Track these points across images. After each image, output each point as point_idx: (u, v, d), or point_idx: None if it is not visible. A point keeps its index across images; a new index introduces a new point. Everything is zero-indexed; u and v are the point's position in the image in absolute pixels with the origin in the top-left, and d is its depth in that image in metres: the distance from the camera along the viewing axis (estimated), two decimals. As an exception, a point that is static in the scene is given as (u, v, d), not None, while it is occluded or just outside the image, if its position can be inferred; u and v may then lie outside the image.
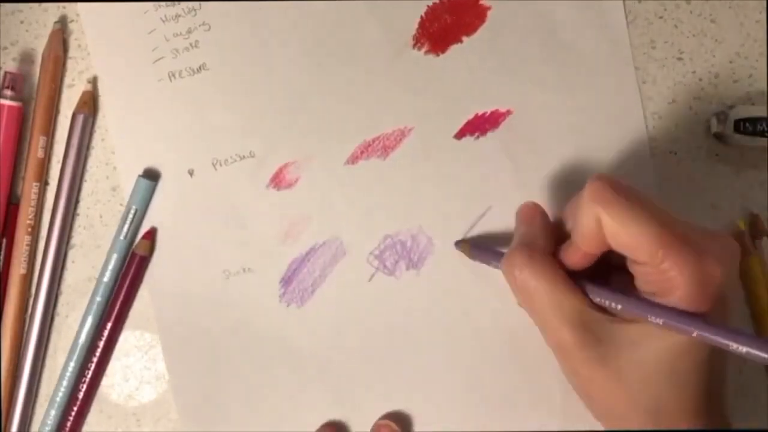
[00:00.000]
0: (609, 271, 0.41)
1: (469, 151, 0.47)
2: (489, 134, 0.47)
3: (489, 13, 0.47)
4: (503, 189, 0.47)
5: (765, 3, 0.48)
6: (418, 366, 0.48)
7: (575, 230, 0.40)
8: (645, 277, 0.38)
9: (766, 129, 0.46)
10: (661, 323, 0.37)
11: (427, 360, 0.47)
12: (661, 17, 0.48)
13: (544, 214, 0.43)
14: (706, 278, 0.36)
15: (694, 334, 0.36)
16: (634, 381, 0.38)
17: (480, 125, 0.47)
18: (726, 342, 0.35)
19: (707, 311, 0.36)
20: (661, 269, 0.37)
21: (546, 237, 0.42)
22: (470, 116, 0.47)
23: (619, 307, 0.39)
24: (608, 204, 0.37)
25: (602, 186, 0.38)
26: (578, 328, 0.39)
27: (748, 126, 0.46)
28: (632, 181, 0.46)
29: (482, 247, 0.46)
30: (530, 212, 0.43)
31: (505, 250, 0.42)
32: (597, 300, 0.40)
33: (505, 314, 0.47)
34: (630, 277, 0.40)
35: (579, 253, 0.40)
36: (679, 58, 0.48)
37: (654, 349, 0.38)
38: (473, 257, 0.46)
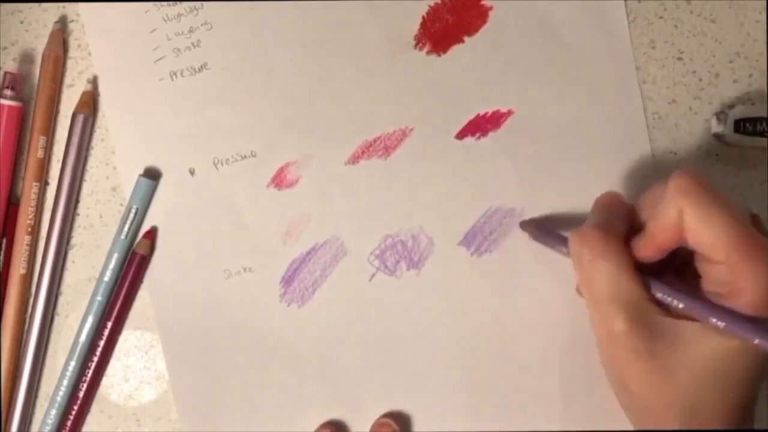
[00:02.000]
0: (669, 270, 0.41)
1: (471, 151, 0.47)
2: (490, 134, 0.48)
3: (490, 14, 0.47)
4: (504, 189, 0.47)
5: (765, 3, 0.48)
6: (418, 366, 0.48)
7: (653, 221, 0.39)
8: (714, 277, 0.38)
9: (766, 129, 0.46)
10: (722, 326, 0.37)
11: (427, 360, 0.48)
12: (661, 17, 0.48)
13: (623, 202, 0.43)
14: None
15: (756, 341, 0.36)
16: (680, 378, 0.38)
17: (481, 125, 0.48)
18: None
19: None
20: (734, 271, 0.37)
21: (622, 223, 0.41)
22: (471, 116, 0.48)
23: (681, 305, 0.38)
24: (694, 198, 0.37)
25: (690, 180, 0.38)
26: (635, 318, 0.38)
27: (748, 126, 0.46)
28: (632, 181, 0.47)
29: (547, 229, 0.46)
30: (610, 199, 0.43)
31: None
32: (659, 295, 0.39)
33: (506, 314, 0.47)
34: (692, 276, 0.40)
35: (652, 245, 0.40)
36: (679, 58, 0.48)
37: (708, 349, 0.37)
38: (537, 238, 0.46)
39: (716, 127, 0.46)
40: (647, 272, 0.40)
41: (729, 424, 0.38)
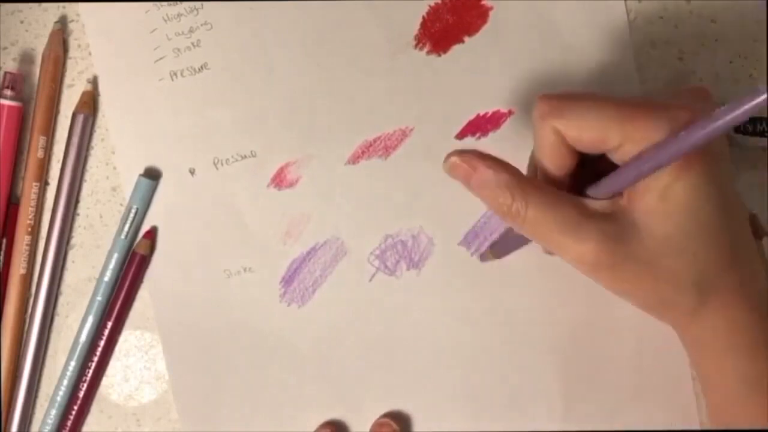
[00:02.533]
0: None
1: (471, 151, 0.48)
2: (490, 135, 0.47)
3: (491, 14, 0.47)
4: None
5: (765, 3, 0.48)
6: (418, 366, 0.48)
7: (538, 155, 0.40)
8: (627, 158, 0.38)
9: (766, 129, 0.46)
10: (663, 158, 0.36)
11: (427, 360, 0.48)
12: (661, 17, 0.48)
13: (474, 151, 0.41)
14: (680, 120, 0.36)
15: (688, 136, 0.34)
16: (668, 258, 0.37)
17: (481, 126, 0.48)
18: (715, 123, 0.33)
19: None
20: (637, 139, 0.36)
21: (509, 166, 0.40)
22: (472, 116, 0.47)
23: (617, 185, 0.38)
24: (559, 111, 0.38)
25: (545, 100, 0.39)
26: (599, 236, 0.37)
27: (748, 126, 0.46)
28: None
29: (503, 243, 0.46)
30: (468, 161, 0.40)
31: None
32: (600, 194, 0.39)
33: (506, 314, 0.47)
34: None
35: (550, 174, 0.40)
36: (680, 58, 0.48)
37: (670, 213, 0.37)
38: (503, 255, 0.46)
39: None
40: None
41: (733, 264, 0.38)
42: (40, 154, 0.47)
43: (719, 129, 0.33)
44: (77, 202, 0.48)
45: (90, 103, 0.48)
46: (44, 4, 0.48)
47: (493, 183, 0.39)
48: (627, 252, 0.38)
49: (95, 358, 0.47)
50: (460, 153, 0.40)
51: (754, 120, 0.46)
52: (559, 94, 0.39)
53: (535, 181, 0.40)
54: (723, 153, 0.39)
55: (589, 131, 0.38)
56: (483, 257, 0.47)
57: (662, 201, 0.37)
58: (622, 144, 0.37)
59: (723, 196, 0.38)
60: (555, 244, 0.39)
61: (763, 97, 0.30)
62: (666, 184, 0.37)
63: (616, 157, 0.38)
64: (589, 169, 0.40)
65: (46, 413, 0.47)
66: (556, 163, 0.39)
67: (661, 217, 0.37)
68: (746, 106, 0.31)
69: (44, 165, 0.48)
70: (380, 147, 0.48)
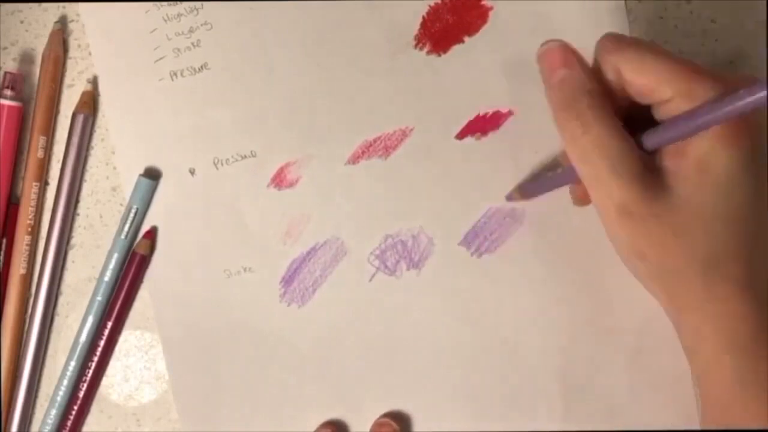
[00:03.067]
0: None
1: (471, 151, 0.47)
2: (490, 135, 0.47)
3: (491, 14, 0.47)
4: (505, 190, 0.47)
5: (765, 3, 0.48)
6: (419, 366, 0.48)
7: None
8: (672, 114, 0.38)
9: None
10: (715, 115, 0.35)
11: (428, 360, 0.48)
12: (661, 17, 0.48)
13: (577, 52, 0.41)
14: (730, 87, 0.35)
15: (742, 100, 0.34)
16: (693, 230, 0.37)
17: (481, 126, 0.48)
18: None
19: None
20: (688, 97, 0.36)
21: (594, 79, 0.39)
22: (472, 117, 0.47)
23: (667, 135, 0.37)
24: (623, 50, 0.38)
25: (612, 38, 0.39)
26: (636, 185, 0.37)
27: None
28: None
29: (531, 183, 0.45)
30: (560, 53, 0.40)
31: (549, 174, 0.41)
32: (650, 144, 0.38)
33: (506, 315, 0.47)
34: None
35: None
36: (679, 59, 0.48)
37: (706, 186, 0.37)
38: (529, 196, 0.45)
39: None
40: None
41: (749, 260, 0.37)
42: (40, 154, 0.47)
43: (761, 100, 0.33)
44: (77, 202, 0.48)
45: (90, 103, 0.48)
46: (44, 4, 0.48)
47: (575, 89, 0.39)
48: (662, 208, 0.37)
49: (95, 358, 0.47)
50: (562, 43, 0.40)
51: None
52: (626, 37, 0.39)
53: (607, 106, 0.39)
54: (763, 138, 0.39)
55: (646, 76, 0.37)
56: (509, 197, 0.47)
57: (700, 171, 0.37)
58: (672, 98, 0.37)
59: (757, 182, 0.37)
60: (596, 178, 0.38)
61: None
62: (706, 152, 0.36)
63: (661, 112, 0.38)
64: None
65: (46, 413, 0.47)
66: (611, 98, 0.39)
67: (696, 186, 0.37)
68: None
69: (44, 165, 0.48)
70: (380, 147, 0.48)
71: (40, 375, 0.48)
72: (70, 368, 0.47)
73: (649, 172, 0.38)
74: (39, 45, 0.48)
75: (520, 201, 0.47)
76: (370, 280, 0.48)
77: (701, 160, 0.37)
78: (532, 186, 0.46)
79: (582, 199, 0.44)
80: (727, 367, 0.38)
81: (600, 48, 0.39)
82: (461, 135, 0.48)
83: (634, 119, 0.39)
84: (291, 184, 0.48)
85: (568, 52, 0.40)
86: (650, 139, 0.38)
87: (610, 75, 0.39)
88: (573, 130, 0.38)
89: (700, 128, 0.36)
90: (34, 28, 0.49)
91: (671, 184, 0.37)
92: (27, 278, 0.48)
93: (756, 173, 0.37)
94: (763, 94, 0.32)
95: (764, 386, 0.37)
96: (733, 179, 0.37)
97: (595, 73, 0.40)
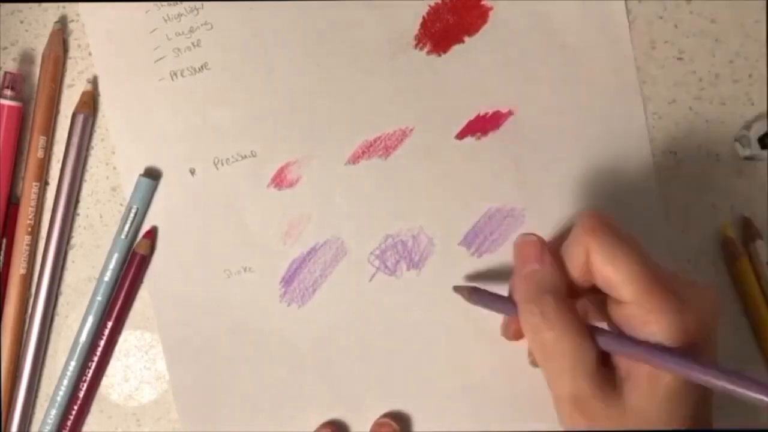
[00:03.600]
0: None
1: (471, 151, 0.47)
2: (490, 135, 0.48)
3: (491, 14, 0.47)
4: (505, 189, 0.47)
5: (765, 3, 0.48)
6: (418, 366, 0.48)
7: (566, 259, 0.39)
8: (622, 317, 0.38)
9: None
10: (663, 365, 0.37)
11: (427, 360, 0.48)
12: (661, 17, 0.48)
13: (546, 248, 0.41)
14: (684, 327, 0.36)
15: (700, 378, 0.36)
16: (649, 418, 0.37)
17: (481, 126, 0.48)
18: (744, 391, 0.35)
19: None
20: (643, 311, 0.37)
21: (562, 278, 0.40)
22: (472, 117, 0.48)
23: (625, 351, 0.38)
24: (599, 237, 0.38)
25: (595, 220, 0.38)
26: (595, 384, 0.38)
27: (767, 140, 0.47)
28: (632, 181, 0.47)
29: (485, 293, 0.43)
30: (535, 247, 0.41)
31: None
32: (604, 347, 0.39)
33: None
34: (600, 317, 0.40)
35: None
36: (679, 58, 0.48)
37: (655, 402, 0.37)
38: (473, 301, 0.43)
39: (743, 151, 0.47)
40: None
41: None
42: (40, 154, 0.47)
43: (711, 385, 0.35)
44: (77, 202, 0.48)
45: (90, 103, 0.48)
46: (44, 4, 0.48)
47: (543, 285, 0.39)
48: (613, 411, 0.38)
49: (95, 358, 0.47)
50: (539, 239, 0.40)
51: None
52: (608, 217, 0.39)
53: (572, 302, 0.39)
54: (714, 337, 0.39)
55: (611, 270, 0.37)
56: (457, 289, 0.44)
57: (651, 382, 0.37)
58: (629, 303, 0.37)
59: (702, 403, 0.38)
60: (553, 371, 0.39)
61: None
62: (656, 372, 0.37)
63: (614, 309, 0.39)
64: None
65: (46, 413, 0.47)
66: (575, 277, 0.39)
67: (646, 397, 0.37)
68: (744, 392, 0.34)
69: (44, 165, 0.48)
70: (380, 147, 0.48)
71: (40, 375, 0.48)
72: (70, 368, 0.47)
73: (604, 369, 0.38)
74: (39, 45, 0.48)
75: (462, 297, 0.44)
76: (370, 280, 0.48)
77: (652, 373, 0.37)
78: (479, 298, 0.43)
79: (514, 335, 0.44)
80: None
81: (578, 223, 0.39)
82: (461, 135, 0.48)
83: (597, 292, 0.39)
84: (291, 184, 0.48)
85: (544, 249, 0.40)
86: (606, 343, 0.38)
87: (580, 252, 0.38)
88: (536, 324, 0.39)
89: (645, 361, 0.37)
90: (34, 28, 0.49)
91: (624, 389, 0.38)
92: (27, 278, 0.48)
93: (702, 392, 0.38)
94: (702, 378, 0.36)
95: None
96: (680, 395, 0.37)
97: (568, 246, 0.40)
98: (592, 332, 0.38)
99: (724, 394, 0.35)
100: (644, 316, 0.37)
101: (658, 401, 0.37)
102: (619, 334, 0.39)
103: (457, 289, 0.44)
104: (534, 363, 0.45)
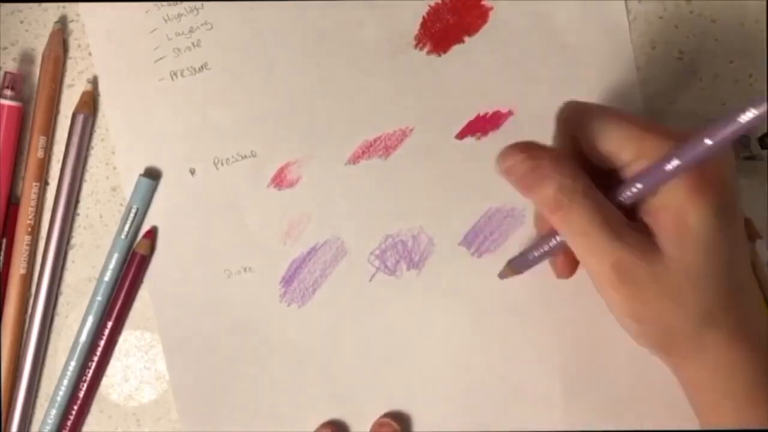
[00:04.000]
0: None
1: (471, 151, 0.47)
2: (490, 135, 0.47)
3: (491, 14, 0.47)
4: (505, 189, 0.47)
5: (765, 3, 0.48)
6: (419, 366, 0.48)
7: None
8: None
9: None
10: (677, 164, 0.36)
11: (428, 360, 0.48)
12: (661, 17, 0.48)
13: (544, 148, 0.39)
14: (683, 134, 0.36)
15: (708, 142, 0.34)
16: (685, 287, 0.37)
17: (481, 126, 0.48)
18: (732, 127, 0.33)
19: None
20: (650, 156, 0.37)
21: (576, 169, 0.38)
22: (472, 117, 0.48)
23: (641, 186, 0.37)
24: (581, 121, 0.38)
25: (569, 108, 0.39)
26: (634, 247, 0.37)
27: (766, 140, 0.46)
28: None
29: (518, 255, 0.45)
30: (520, 149, 0.39)
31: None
32: (626, 200, 0.38)
33: (506, 314, 0.47)
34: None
35: None
36: (679, 58, 0.48)
37: (686, 241, 0.37)
38: (521, 272, 0.45)
39: (743, 152, 0.47)
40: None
41: (737, 311, 0.38)
42: (40, 154, 0.47)
43: (720, 140, 0.34)
44: (77, 202, 0.48)
45: (90, 103, 0.48)
46: (44, 4, 0.48)
47: (547, 170, 0.38)
48: (657, 270, 0.37)
49: (95, 358, 0.47)
50: (517, 143, 0.39)
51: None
52: (583, 106, 0.39)
53: (584, 177, 0.38)
54: (733, 182, 0.39)
55: (605, 144, 0.38)
56: (502, 275, 0.46)
57: (678, 225, 0.37)
58: (634, 160, 0.37)
59: (734, 230, 0.38)
60: (587, 248, 0.38)
61: (763, 108, 0.31)
62: (680, 206, 0.36)
63: (625, 173, 0.38)
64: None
65: (46, 413, 0.47)
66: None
67: (678, 241, 0.37)
68: (742, 118, 0.32)
69: (44, 165, 0.48)
70: (380, 147, 0.48)
71: (40, 375, 0.48)
72: (70, 368, 0.47)
73: (637, 233, 0.38)
74: (39, 45, 0.48)
75: (512, 276, 0.46)
76: (371, 280, 0.48)
77: (678, 216, 0.37)
78: (522, 260, 0.45)
79: (562, 271, 0.44)
80: (728, 413, 0.38)
81: (558, 120, 0.40)
82: (461, 135, 0.48)
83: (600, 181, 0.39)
84: (291, 184, 0.48)
85: (529, 145, 0.39)
86: (626, 196, 0.38)
87: (570, 145, 0.39)
88: (552, 203, 0.38)
89: (660, 182, 0.37)
90: (34, 28, 0.49)
91: (656, 241, 0.37)
92: (27, 278, 0.48)
93: (732, 217, 0.38)
94: (711, 140, 0.34)
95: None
96: (712, 233, 0.37)
97: (556, 142, 0.40)
98: (611, 197, 0.38)
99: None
100: (649, 159, 0.37)
101: (693, 245, 0.37)
102: (631, 180, 0.38)
103: (503, 274, 0.46)
104: (559, 274, 0.45)
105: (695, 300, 0.37)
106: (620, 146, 0.37)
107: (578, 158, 0.39)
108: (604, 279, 0.38)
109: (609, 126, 0.38)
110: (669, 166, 0.36)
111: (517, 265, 0.45)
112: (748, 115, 0.32)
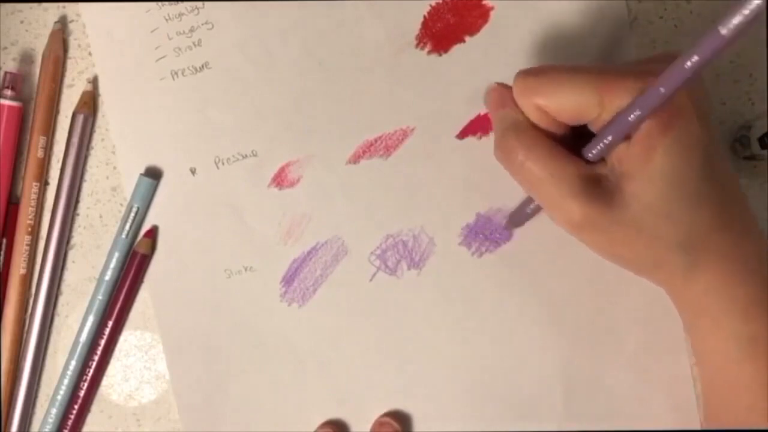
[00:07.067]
0: None
1: (472, 151, 0.47)
2: (491, 134, 0.48)
3: (492, 13, 0.47)
4: (506, 189, 0.47)
5: (765, 3, 0.48)
6: (419, 365, 0.48)
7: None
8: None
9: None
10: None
11: (428, 359, 0.48)
12: (661, 17, 0.48)
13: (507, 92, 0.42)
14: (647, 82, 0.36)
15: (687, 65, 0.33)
16: (654, 222, 0.38)
17: (482, 125, 0.48)
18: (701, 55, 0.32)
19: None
20: (614, 109, 0.37)
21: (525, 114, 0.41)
22: (473, 116, 0.48)
23: (609, 138, 0.38)
24: (536, 88, 0.39)
25: (523, 77, 0.40)
26: (590, 197, 0.38)
27: (766, 140, 0.46)
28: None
29: (513, 212, 0.47)
30: (500, 95, 0.42)
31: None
32: (592, 155, 0.39)
33: (506, 314, 0.47)
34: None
35: None
36: (679, 59, 0.48)
37: (653, 179, 0.37)
38: (520, 226, 0.47)
39: (743, 152, 0.47)
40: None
41: (723, 227, 0.38)
42: (40, 154, 0.47)
43: (681, 77, 0.33)
44: (77, 202, 0.48)
45: (90, 103, 0.48)
46: (44, 4, 0.48)
47: (506, 121, 0.40)
48: (614, 215, 0.38)
49: (95, 358, 0.47)
50: (499, 85, 0.42)
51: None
52: (536, 70, 0.40)
53: (540, 132, 0.40)
54: (703, 112, 0.39)
55: (569, 104, 0.38)
56: (506, 227, 0.47)
57: (644, 165, 0.37)
58: (600, 114, 0.38)
59: (704, 157, 0.38)
60: (547, 200, 0.39)
61: (722, 34, 0.30)
62: (647, 146, 0.37)
63: (596, 128, 0.39)
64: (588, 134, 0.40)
65: (47, 413, 0.47)
66: (548, 132, 0.40)
67: (644, 182, 0.37)
68: (703, 48, 0.31)
69: (44, 165, 0.48)
70: (381, 147, 0.48)
71: (40, 375, 0.48)
72: (71, 368, 0.47)
73: (595, 181, 0.38)
74: (39, 45, 0.48)
75: (515, 228, 0.48)
76: (371, 279, 0.48)
77: (643, 157, 0.37)
78: (519, 214, 0.46)
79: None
80: (725, 329, 0.38)
81: (517, 93, 0.40)
82: (462, 134, 0.48)
83: (578, 137, 0.40)
84: (292, 184, 0.48)
85: (504, 93, 0.41)
86: (588, 152, 0.39)
87: (535, 113, 0.40)
88: (511, 159, 0.40)
89: (624, 130, 0.37)
90: (34, 28, 0.48)
91: (622, 185, 0.38)
92: (27, 278, 0.48)
93: (701, 146, 0.38)
94: (672, 77, 0.34)
95: (762, 347, 0.37)
96: (678, 164, 0.37)
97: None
98: (574, 152, 0.39)
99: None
100: (618, 110, 0.37)
101: (659, 176, 0.37)
102: (598, 132, 0.39)
103: (506, 227, 0.48)
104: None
105: (672, 227, 0.38)
106: (583, 104, 0.38)
107: (550, 122, 0.39)
108: (568, 228, 0.39)
109: (568, 85, 0.38)
110: (631, 117, 0.36)
111: (516, 219, 0.46)
112: (694, 60, 0.32)
